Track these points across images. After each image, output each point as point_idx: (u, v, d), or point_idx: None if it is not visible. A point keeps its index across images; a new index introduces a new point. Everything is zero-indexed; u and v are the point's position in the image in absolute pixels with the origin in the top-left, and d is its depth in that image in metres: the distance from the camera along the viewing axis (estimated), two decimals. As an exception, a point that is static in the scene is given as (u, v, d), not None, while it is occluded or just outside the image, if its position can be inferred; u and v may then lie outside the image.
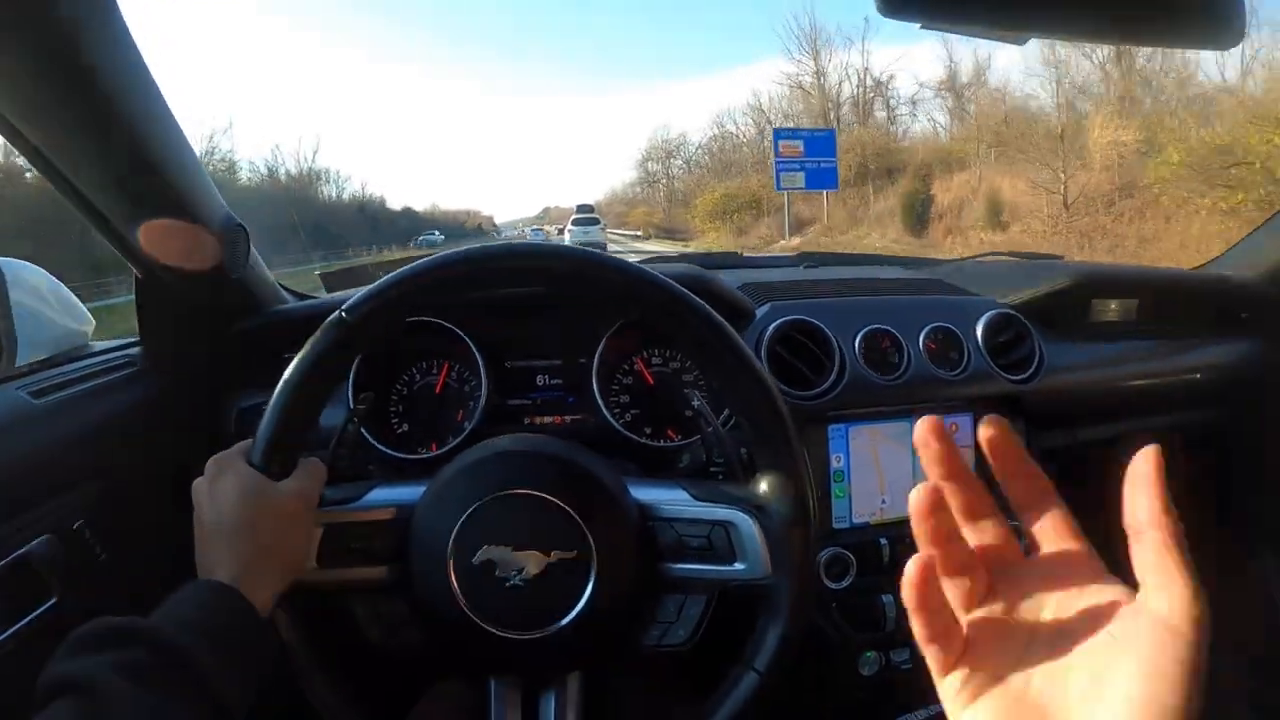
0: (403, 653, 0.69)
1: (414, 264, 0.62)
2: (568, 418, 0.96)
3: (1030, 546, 0.36)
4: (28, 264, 0.95)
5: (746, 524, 0.63)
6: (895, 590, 0.91)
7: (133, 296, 0.90)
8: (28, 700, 0.43)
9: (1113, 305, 1.17)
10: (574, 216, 24.74)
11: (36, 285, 0.94)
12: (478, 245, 0.65)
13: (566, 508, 0.61)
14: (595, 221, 24.21)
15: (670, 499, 0.66)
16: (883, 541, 0.92)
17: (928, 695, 0.96)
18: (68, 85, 0.67)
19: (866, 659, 0.93)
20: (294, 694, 0.61)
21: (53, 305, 0.95)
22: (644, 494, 0.66)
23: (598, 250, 0.69)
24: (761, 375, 0.62)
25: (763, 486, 0.64)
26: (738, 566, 0.63)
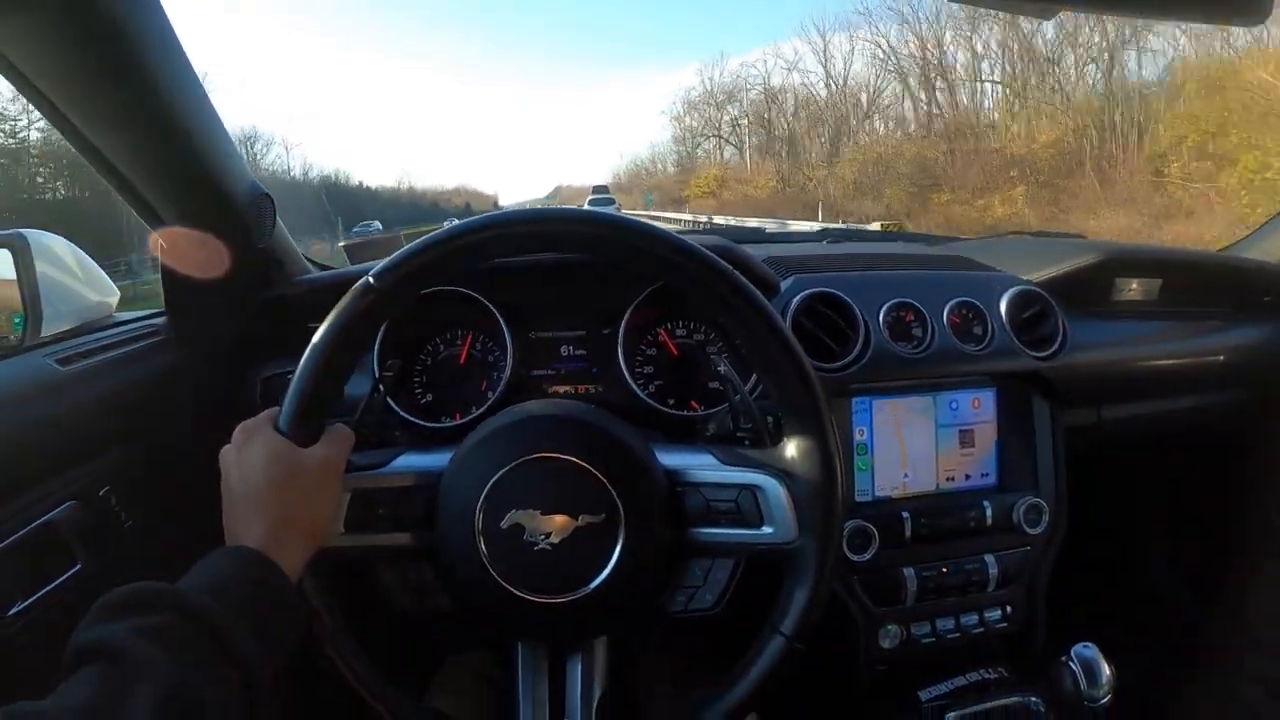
0: (430, 619, 0.69)
1: (441, 229, 0.62)
2: (591, 388, 0.96)
3: None
4: (53, 235, 0.96)
5: (774, 488, 0.63)
6: (917, 564, 0.91)
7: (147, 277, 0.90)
8: (53, 664, 0.43)
9: (1135, 285, 1.16)
10: (590, 197, 26.46)
11: (62, 256, 0.95)
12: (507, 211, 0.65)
13: (594, 471, 0.61)
14: (610, 202, 25.74)
15: (698, 464, 0.66)
16: (905, 515, 0.92)
17: (948, 668, 0.96)
18: (100, 57, 0.67)
19: (887, 632, 0.93)
20: (320, 659, 0.62)
21: (78, 276, 0.96)
22: (671, 459, 0.66)
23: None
24: (790, 342, 0.62)
25: (790, 450, 0.64)
26: (765, 530, 0.63)
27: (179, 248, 0.86)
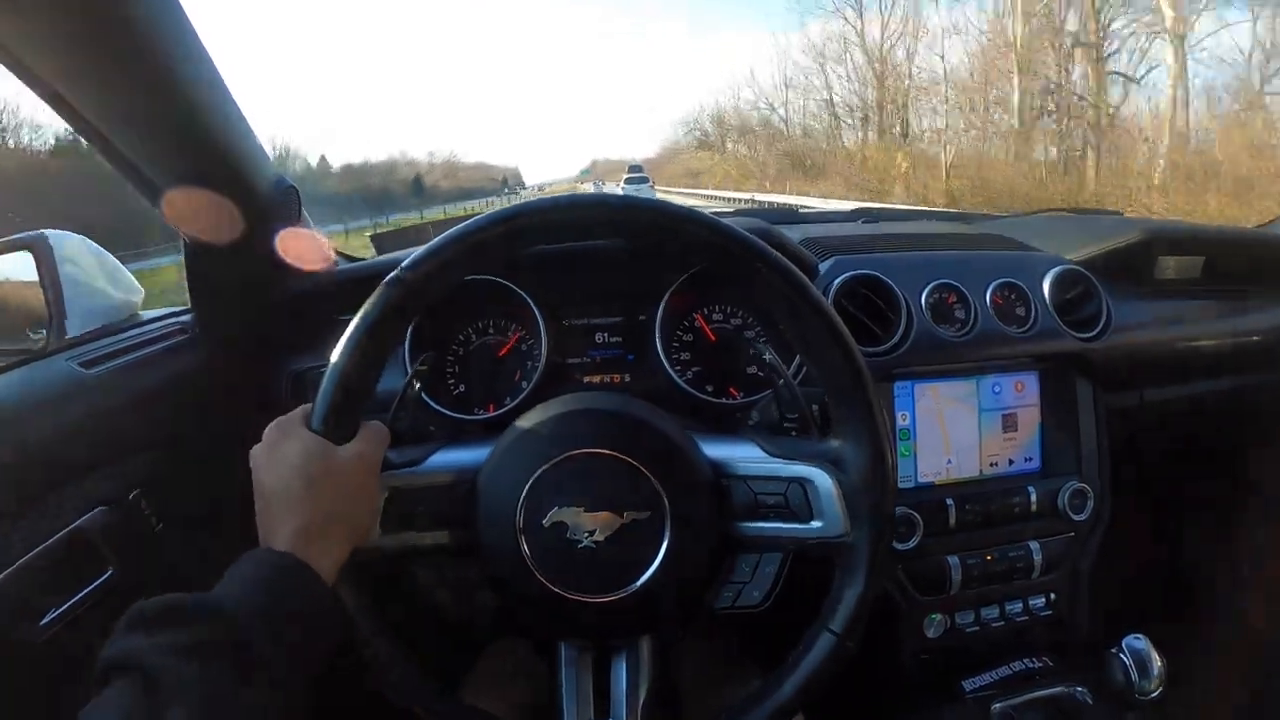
0: (471, 617, 0.68)
1: (472, 220, 0.60)
2: (626, 376, 0.95)
3: None
4: (76, 235, 0.95)
5: (824, 481, 0.60)
6: (961, 551, 0.89)
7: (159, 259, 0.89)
8: (86, 673, 0.42)
9: (1177, 263, 1.13)
10: (626, 176, 27.72)
11: (85, 257, 0.94)
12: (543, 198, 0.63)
13: (639, 466, 0.59)
14: (644, 180, 27.06)
15: (744, 456, 0.64)
16: (949, 502, 0.90)
17: (992, 658, 0.95)
18: (116, 53, 0.66)
19: (932, 621, 0.92)
20: (358, 661, 0.60)
21: (101, 276, 0.95)
22: (716, 451, 0.64)
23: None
24: (839, 328, 0.60)
25: (840, 441, 0.62)
26: (814, 525, 0.61)
27: (204, 244, 0.85)
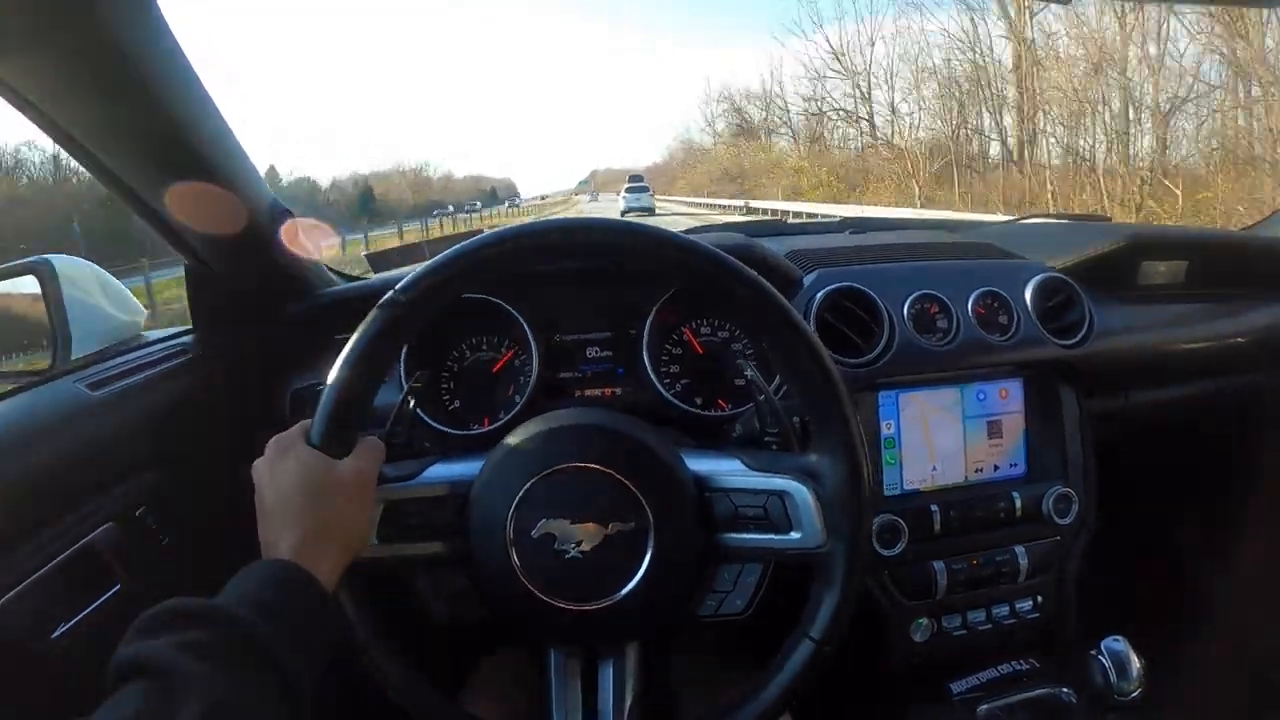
0: (463, 625, 0.70)
1: (463, 242, 0.62)
2: (618, 390, 0.96)
3: None
4: (78, 259, 0.97)
5: (802, 494, 0.62)
6: (947, 556, 0.91)
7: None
8: (96, 685, 0.43)
9: (1161, 267, 1.14)
10: (626, 185, 28.29)
11: (87, 279, 0.96)
12: (533, 221, 0.65)
13: (624, 480, 0.61)
14: (645, 189, 27.63)
15: (726, 469, 0.66)
16: (934, 509, 0.91)
17: (979, 661, 0.96)
18: (112, 82, 0.68)
19: (919, 625, 0.93)
20: (357, 668, 0.62)
21: (104, 298, 0.97)
22: (700, 464, 0.66)
23: (645, 218, 0.68)
24: (814, 343, 0.62)
25: (817, 455, 0.64)
26: (793, 536, 0.63)
27: (204, 267, 0.87)
